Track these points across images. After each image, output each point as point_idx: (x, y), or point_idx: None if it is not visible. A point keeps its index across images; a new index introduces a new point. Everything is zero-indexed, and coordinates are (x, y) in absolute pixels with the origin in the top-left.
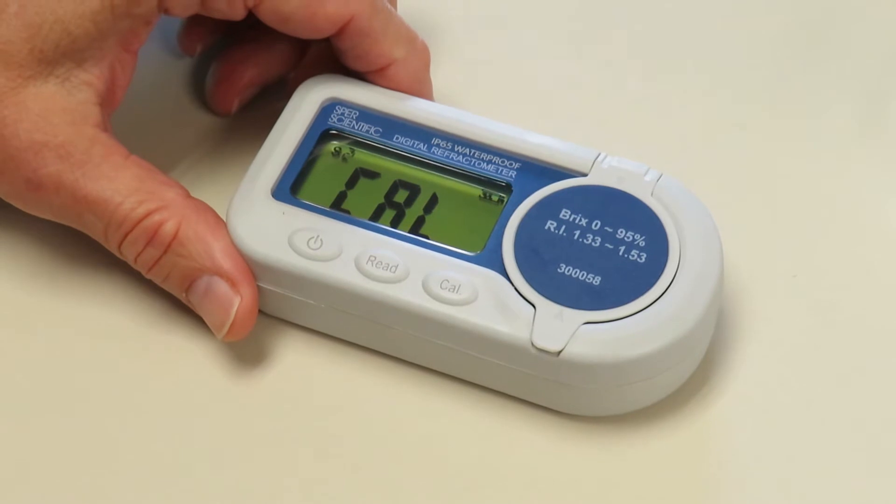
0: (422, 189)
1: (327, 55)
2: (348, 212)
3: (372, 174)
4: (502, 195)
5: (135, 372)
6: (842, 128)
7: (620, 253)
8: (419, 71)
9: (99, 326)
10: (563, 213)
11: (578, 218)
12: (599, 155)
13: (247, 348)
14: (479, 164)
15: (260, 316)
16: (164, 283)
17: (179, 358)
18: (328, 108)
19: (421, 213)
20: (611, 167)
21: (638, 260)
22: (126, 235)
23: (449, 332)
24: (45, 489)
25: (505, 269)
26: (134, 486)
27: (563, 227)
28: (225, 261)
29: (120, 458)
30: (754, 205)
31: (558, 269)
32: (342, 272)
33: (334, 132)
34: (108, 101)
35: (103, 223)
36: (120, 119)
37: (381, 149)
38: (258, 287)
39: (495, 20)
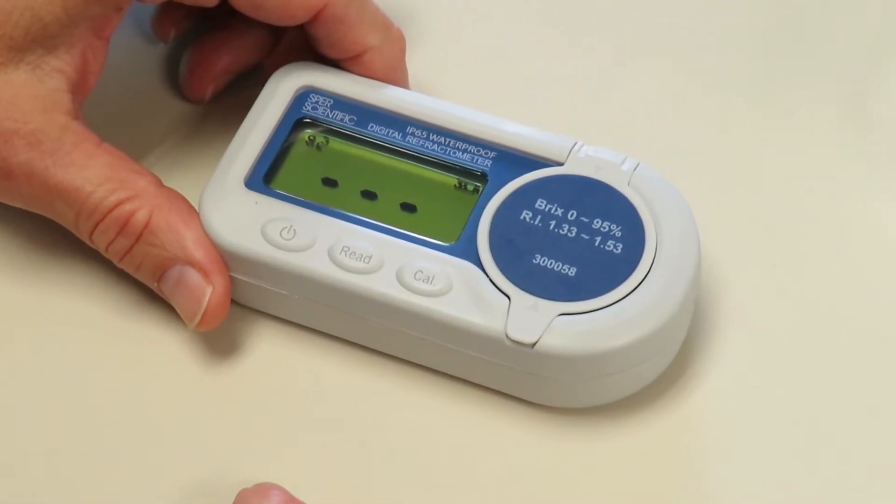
0: (396, 178)
1: (302, 42)
2: (322, 202)
3: (346, 163)
4: (477, 184)
5: (106, 362)
6: (823, 120)
7: (596, 244)
8: (394, 59)
9: (70, 316)
10: (538, 202)
11: (554, 208)
12: (576, 144)
13: (219, 338)
14: (455, 153)
15: (232, 306)
16: (136, 272)
17: (151, 348)
18: (302, 97)
19: (395, 202)
20: (587, 156)
21: (614, 251)
22: (97, 224)
23: (423, 323)
24: (14, 478)
25: (480, 260)
26: (106, 476)
27: (539, 217)
28: (197, 250)
29: (91, 448)
30: (733, 195)
31: (533, 260)
32: (315, 263)
33: (308, 120)
34: (79, 89)
35: (74, 212)
36: (92, 106)
37: (356, 137)
38: (231, 277)
39: (471, 8)
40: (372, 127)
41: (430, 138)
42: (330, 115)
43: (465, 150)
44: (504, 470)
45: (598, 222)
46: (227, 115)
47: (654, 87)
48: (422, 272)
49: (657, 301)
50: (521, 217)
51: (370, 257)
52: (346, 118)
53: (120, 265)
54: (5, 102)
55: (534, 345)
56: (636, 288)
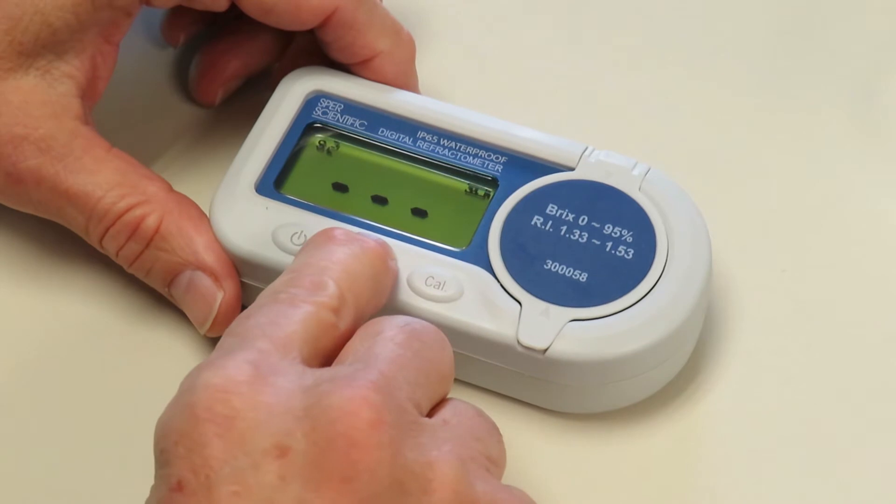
0: (407, 184)
1: (312, 46)
2: (332, 207)
3: (356, 168)
4: (488, 190)
5: (116, 367)
6: (833, 123)
7: (607, 249)
8: (404, 63)
9: (80, 321)
10: (549, 208)
11: (565, 213)
12: (587, 149)
13: None
14: (465, 158)
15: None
16: (146, 277)
17: (162, 353)
18: (313, 101)
19: (406, 208)
20: (598, 161)
21: (625, 256)
22: (108, 229)
23: None
24: (21, 483)
25: (491, 265)
26: (115, 482)
27: (550, 222)
28: (207, 255)
29: (100, 453)
30: (743, 199)
31: (544, 266)
32: None
33: (319, 125)
34: (89, 94)
35: (84, 217)
36: (102, 111)
37: (366, 142)
38: (241, 282)
39: (481, 12)
40: (382, 132)
41: (441, 143)
42: (340, 120)
43: (475, 155)
44: (514, 475)
45: (609, 227)
46: (237, 120)
47: (665, 92)
48: (433, 278)
49: (668, 306)
50: (532, 222)
51: None
52: (357, 123)
53: (130, 270)
54: (14, 108)
55: (545, 351)
56: (647, 293)
